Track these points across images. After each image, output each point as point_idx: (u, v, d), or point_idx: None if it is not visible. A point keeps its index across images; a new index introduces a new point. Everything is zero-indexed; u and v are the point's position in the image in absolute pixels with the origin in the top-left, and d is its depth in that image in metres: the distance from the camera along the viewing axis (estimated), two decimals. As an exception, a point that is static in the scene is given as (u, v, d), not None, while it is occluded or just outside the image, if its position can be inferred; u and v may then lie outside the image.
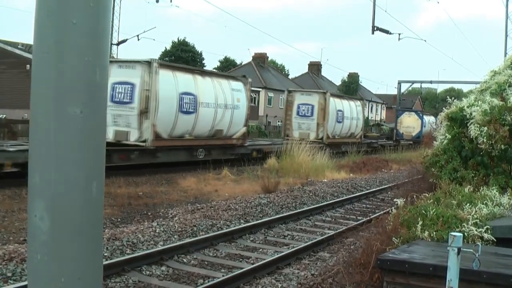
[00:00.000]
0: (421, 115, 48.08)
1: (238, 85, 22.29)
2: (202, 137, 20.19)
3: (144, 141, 17.50)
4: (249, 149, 22.96)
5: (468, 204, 5.69)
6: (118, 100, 17.60)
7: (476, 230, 4.92)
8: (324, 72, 73.22)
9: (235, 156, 21.38)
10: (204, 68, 60.80)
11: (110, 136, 17.33)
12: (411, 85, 51.00)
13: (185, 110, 18.84)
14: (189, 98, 19.02)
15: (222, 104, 20.71)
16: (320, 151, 21.91)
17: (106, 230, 8.71)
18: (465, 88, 70.96)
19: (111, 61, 18.06)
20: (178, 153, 19.49)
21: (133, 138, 17.63)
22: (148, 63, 17.58)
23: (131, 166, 18.02)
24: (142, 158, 17.96)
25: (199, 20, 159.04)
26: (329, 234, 9.85)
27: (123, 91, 17.61)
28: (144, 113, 17.43)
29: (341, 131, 30.47)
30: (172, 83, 18.34)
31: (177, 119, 18.53)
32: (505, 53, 31.88)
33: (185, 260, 7.86)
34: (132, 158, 17.63)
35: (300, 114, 28.53)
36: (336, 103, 29.25)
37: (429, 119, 47.63)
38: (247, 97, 22.66)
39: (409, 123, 46.22)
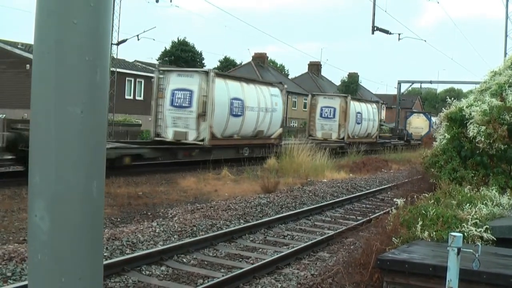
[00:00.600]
0: (429, 116, 49.59)
1: (276, 90, 24.94)
2: (247, 137, 22.69)
3: (202, 140, 19.72)
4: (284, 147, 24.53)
5: (467, 204, 5.69)
6: (177, 104, 19.91)
7: (476, 230, 4.92)
8: (324, 72, 73.24)
9: (273, 153, 22.59)
10: (204, 68, 60.97)
11: (169, 136, 19.94)
12: (411, 85, 51.08)
13: (235, 113, 21.29)
14: (238, 103, 21.45)
15: (263, 108, 23.26)
16: (321, 150, 21.89)
17: (105, 230, 8.71)
18: (465, 88, 71.00)
19: (170, 70, 21.67)
20: (228, 151, 21.48)
21: (191, 138, 19.84)
22: (206, 72, 20.10)
23: (132, 166, 18.21)
24: (201, 155, 19.92)
25: (199, 20, 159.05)
26: (328, 234, 9.85)
27: (182, 97, 19.89)
28: (202, 116, 19.69)
29: (359, 132, 32.97)
30: (225, 90, 20.73)
31: (228, 121, 20.96)
32: (505, 53, 31.87)
33: (184, 260, 7.86)
34: (193, 155, 19.86)
35: (323, 116, 31.38)
36: (355, 106, 31.71)
37: (436, 119, 48.69)
38: (283, 101, 25.55)
39: (418, 124, 48.19)
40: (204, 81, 19.73)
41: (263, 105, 23.24)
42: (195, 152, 19.71)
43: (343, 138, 31.46)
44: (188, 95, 19.82)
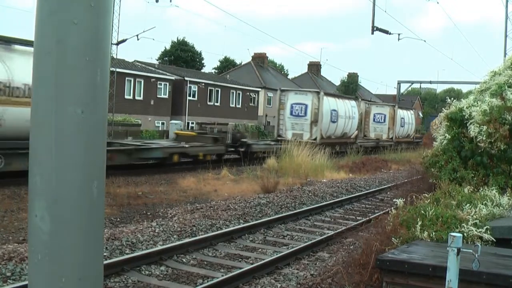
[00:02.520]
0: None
1: (354, 103, 34.54)
2: (338, 137, 31.62)
3: (315, 139, 27.67)
4: (358, 144, 33.66)
5: (467, 205, 5.69)
6: (295, 114, 28.41)
7: (475, 230, 4.92)
8: (323, 72, 73.32)
9: (353, 149, 29.71)
10: (204, 68, 61.08)
11: (289, 136, 27.20)
12: (410, 85, 51.15)
13: (333, 120, 30.23)
14: (335, 113, 30.40)
15: (348, 116, 32.30)
16: (320, 151, 21.91)
17: (105, 230, 8.71)
18: (465, 88, 71.11)
19: (288, 90, 31.09)
20: (328, 147, 26.62)
21: (305, 138, 27.26)
22: (317, 92, 29.65)
23: (132, 166, 18.31)
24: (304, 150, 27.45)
25: (199, 20, 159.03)
26: (328, 234, 9.85)
27: (299, 109, 28.27)
28: (314, 122, 28.33)
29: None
30: (327, 104, 29.55)
31: (329, 126, 29.90)
32: (505, 54, 31.89)
33: (184, 260, 7.86)
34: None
35: (376, 120, 37.92)
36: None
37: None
38: (358, 111, 34.98)
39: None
40: (315, 98, 28.31)
41: (348, 114, 32.25)
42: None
43: (391, 138, 40.02)
44: (303, 107, 28.11)
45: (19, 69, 13.28)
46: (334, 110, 29.87)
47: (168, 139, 26.14)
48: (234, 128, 25.48)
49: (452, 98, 9.57)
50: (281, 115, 28.41)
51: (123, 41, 27.87)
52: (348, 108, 32.11)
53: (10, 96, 13.44)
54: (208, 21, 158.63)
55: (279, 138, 27.48)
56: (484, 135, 7.84)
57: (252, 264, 7.70)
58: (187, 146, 20.82)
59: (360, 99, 39.43)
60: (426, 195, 6.82)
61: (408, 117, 44.85)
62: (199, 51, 63.49)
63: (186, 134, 23.66)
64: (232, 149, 23.70)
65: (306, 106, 27.62)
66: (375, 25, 29.28)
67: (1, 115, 13.28)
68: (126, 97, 38.91)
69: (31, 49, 9.13)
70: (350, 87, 60.97)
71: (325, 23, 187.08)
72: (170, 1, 28.55)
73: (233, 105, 49.06)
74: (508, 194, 6.72)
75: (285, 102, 28.19)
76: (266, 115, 52.79)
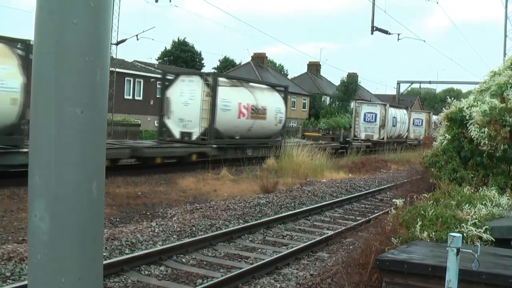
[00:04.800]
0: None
1: (405, 111, 43.56)
2: (395, 137, 39.77)
3: (382, 139, 37.10)
4: (407, 143, 41.14)
5: (467, 205, 5.69)
6: (367, 120, 37.66)
7: (475, 230, 4.92)
8: (323, 72, 73.27)
9: (405, 146, 38.48)
10: (204, 68, 61.15)
11: (362, 137, 37.27)
12: (410, 85, 51.20)
13: (393, 125, 39.26)
14: (394, 119, 39.46)
15: (401, 121, 41.37)
16: (320, 151, 21.90)
17: (105, 230, 8.70)
18: (464, 88, 71.12)
19: (362, 102, 43.00)
20: (390, 145, 35.70)
21: (375, 138, 37.19)
22: (384, 104, 38.55)
23: (130, 166, 18.27)
24: (378, 147, 36.02)
25: (199, 20, 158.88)
26: (328, 234, 9.85)
27: (370, 116, 37.60)
28: (381, 126, 37.45)
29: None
30: (390, 113, 38.60)
31: (391, 129, 39.00)
32: (505, 54, 31.91)
33: (184, 260, 7.86)
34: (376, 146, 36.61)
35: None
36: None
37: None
38: (408, 118, 43.59)
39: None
40: (383, 108, 37.66)
41: (402, 120, 41.58)
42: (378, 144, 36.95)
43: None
44: (374, 115, 37.57)
45: (260, 98, 23.72)
46: (394, 117, 39.67)
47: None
48: (343, 131, 39.41)
49: (452, 98, 9.56)
50: (356, 121, 38.20)
51: (123, 41, 27.90)
52: (402, 115, 41.84)
53: (256, 114, 23.12)
54: (208, 21, 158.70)
55: (354, 138, 36.91)
56: (486, 138, 7.84)
57: (251, 264, 7.70)
58: (322, 142, 30.61)
59: (409, 108, 46.92)
60: (426, 195, 6.81)
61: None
62: (199, 51, 63.55)
63: (313, 135, 36.47)
64: (342, 145, 33.49)
65: (376, 114, 37.55)
66: (374, 25, 29.31)
67: (252, 124, 22.95)
68: (126, 97, 38.93)
69: (260, 86, 25.87)
70: (349, 87, 60.92)
71: (325, 23, 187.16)
72: (170, 1, 28.54)
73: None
74: (507, 194, 6.71)
75: (360, 112, 38.19)
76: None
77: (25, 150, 13.65)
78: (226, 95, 21.51)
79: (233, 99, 21.92)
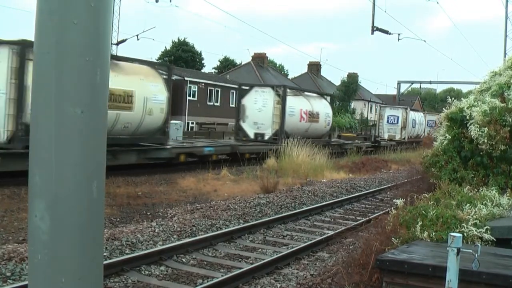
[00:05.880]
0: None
1: (422, 114, 48.19)
2: (414, 137, 42.80)
3: (404, 138, 40.69)
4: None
5: (467, 205, 5.69)
6: (390, 122, 41.18)
7: (475, 230, 4.92)
8: (323, 72, 73.19)
9: (420, 146, 37.62)
10: (204, 68, 61.10)
11: (385, 136, 40.62)
12: (410, 85, 51.17)
13: (413, 126, 43.15)
14: (413, 121, 43.23)
15: (419, 122, 44.87)
16: (322, 150, 21.88)
17: (105, 230, 8.70)
18: (465, 88, 71.09)
19: (385, 106, 45.97)
20: (408, 144, 39.37)
21: (397, 137, 40.42)
22: (405, 108, 42.44)
23: (130, 166, 18.32)
24: (401, 145, 38.70)
25: (199, 20, 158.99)
26: (328, 234, 9.85)
27: (393, 119, 41.15)
28: (403, 128, 41.07)
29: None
30: (411, 115, 42.58)
31: (411, 129, 42.70)
32: (505, 54, 31.92)
33: (184, 260, 7.86)
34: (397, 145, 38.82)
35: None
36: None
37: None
38: (424, 119, 46.94)
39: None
40: (404, 112, 41.37)
41: (420, 121, 45.29)
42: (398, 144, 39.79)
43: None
44: (396, 118, 41.19)
45: (314, 105, 28.03)
46: (414, 119, 43.65)
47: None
48: (374, 131, 43.41)
49: (452, 98, 9.56)
50: (380, 123, 42.27)
51: (123, 41, 27.93)
52: (420, 118, 46.03)
53: (312, 118, 27.53)
54: (208, 21, 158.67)
55: (377, 139, 40.76)
56: (486, 138, 7.84)
57: (252, 264, 7.70)
58: (358, 142, 36.57)
59: (425, 111, 52.06)
60: (426, 195, 6.81)
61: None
62: (199, 51, 63.48)
63: (349, 135, 40.32)
64: (373, 144, 37.90)
65: (398, 117, 41.35)
66: (375, 25, 29.31)
67: (309, 126, 27.27)
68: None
69: (312, 94, 31.52)
70: (350, 87, 60.87)
71: (325, 23, 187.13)
72: (170, 1, 28.56)
73: (233, 105, 49.00)
74: (508, 194, 6.71)
75: (384, 114, 42.20)
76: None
77: (168, 147, 18.66)
78: (292, 103, 26.06)
79: (296, 106, 26.51)
